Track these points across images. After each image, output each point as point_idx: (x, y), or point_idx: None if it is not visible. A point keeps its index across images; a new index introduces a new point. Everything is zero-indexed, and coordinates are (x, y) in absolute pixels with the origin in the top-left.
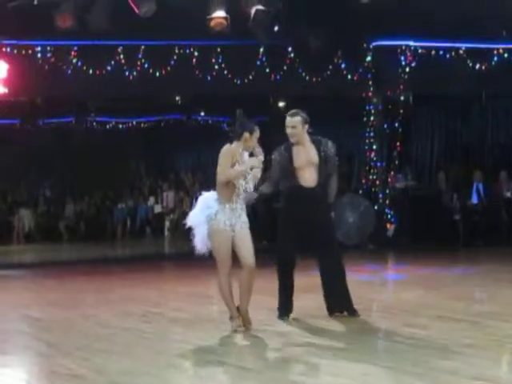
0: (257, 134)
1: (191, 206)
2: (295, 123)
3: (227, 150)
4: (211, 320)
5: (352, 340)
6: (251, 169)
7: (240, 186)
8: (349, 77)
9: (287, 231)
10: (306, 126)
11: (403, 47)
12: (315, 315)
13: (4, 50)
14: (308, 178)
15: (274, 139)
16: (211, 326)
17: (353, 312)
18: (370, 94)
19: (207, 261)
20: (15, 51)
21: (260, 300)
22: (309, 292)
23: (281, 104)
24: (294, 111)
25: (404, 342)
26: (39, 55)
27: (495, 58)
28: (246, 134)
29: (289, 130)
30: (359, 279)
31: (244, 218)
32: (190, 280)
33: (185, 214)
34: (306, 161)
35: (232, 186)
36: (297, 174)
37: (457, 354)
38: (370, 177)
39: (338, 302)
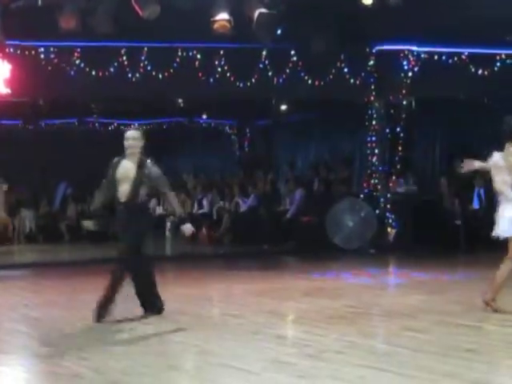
0: None
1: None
2: (136, 136)
3: None
4: (211, 322)
5: (351, 343)
6: None
7: None
8: (351, 81)
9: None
10: (143, 142)
11: (406, 52)
12: (314, 318)
13: (7, 50)
14: (122, 191)
15: (276, 142)
16: (211, 328)
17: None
18: (373, 98)
19: (207, 263)
20: (18, 52)
21: (260, 302)
22: (308, 295)
23: (283, 107)
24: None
25: (404, 346)
26: (42, 56)
27: (498, 64)
28: None
29: (128, 142)
30: (360, 283)
31: None
32: (189, 282)
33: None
34: (126, 175)
35: None
36: (117, 186)
37: (457, 359)
38: (372, 181)
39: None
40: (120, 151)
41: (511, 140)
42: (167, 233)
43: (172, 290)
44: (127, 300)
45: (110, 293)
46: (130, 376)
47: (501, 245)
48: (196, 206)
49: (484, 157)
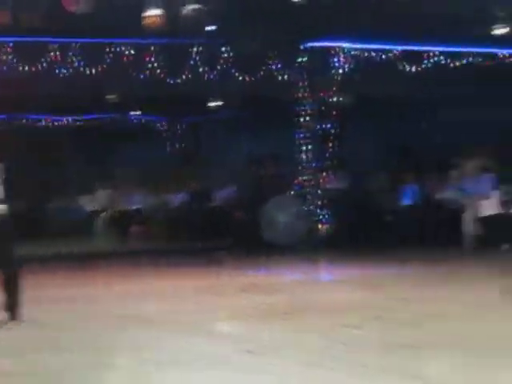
0: None
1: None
2: None
3: None
4: (149, 319)
5: (287, 339)
6: None
7: None
8: (282, 77)
9: None
10: None
11: (337, 49)
12: (251, 314)
13: None
14: None
15: (207, 138)
16: (149, 325)
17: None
18: (304, 95)
19: (140, 259)
20: None
21: (197, 299)
22: (244, 292)
23: (214, 104)
24: None
25: (340, 341)
26: None
27: (429, 61)
28: None
29: None
30: (294, 279)
31: None
32: (125, 279)
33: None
34: None
35: None
36: None
37: (393, 354)
38: (303, 178)
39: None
40: (49, 149)
41: None
42: (98, 229)
43: (108, 288)
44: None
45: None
46: (61, 374)
47: (432, 240)
48: (128, 202)
49: (416, 153)
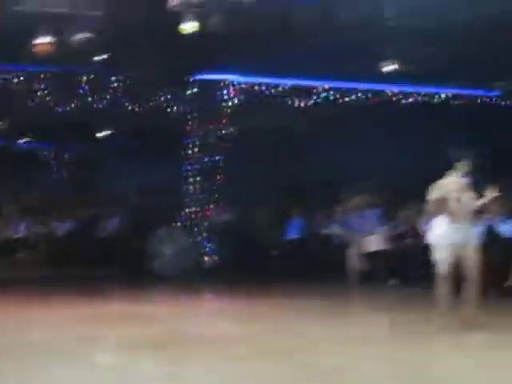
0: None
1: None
2: None
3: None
4: (31, 348)
5: (164, 370)
6: None
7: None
8: (171, 109)
9: None
10: None
11: (226, 82)
12: (132, 345)
13: None
14: None
15: (95, 167)
16: (30, 354)
17: None
18: (193, 127)
19: (25, 287)
20: None
21: (78, 328)
22: (125, 321)
23: (103, 134)
24: None
25: (219, 374)
26: None
27: (318, 96)
28: (461, 164)
29: None
30: (176, 310)
31: None
32: (7, 307)
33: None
34: None
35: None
36: None
37: None
38: (191, 209)
39: None
40: None
41: (455, 169)
42: None
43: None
44: None
45: None
46: None
47: (315, 274)
48: (13, 230)
49: (303, 187)
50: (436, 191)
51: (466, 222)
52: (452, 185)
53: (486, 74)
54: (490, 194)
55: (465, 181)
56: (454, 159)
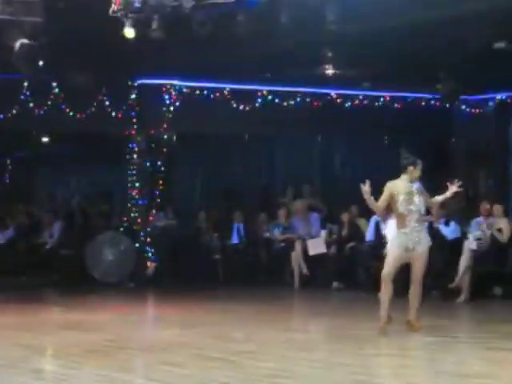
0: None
1: None
2: None
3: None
4: None
5: (107, 377)
6: None
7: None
8: (113, 114)
9: None
10: None
11: (168, 86)
12: (72, 352)
13: None
14: None
15: (37, 173)
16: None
17: None
18: (134, 131)
19: None
20: None
21: (17, 336)
22: (67, 329)
23: (44, 139)
24: None
25: (160, 380)
26: None
27: (259, 100)
28: (410, 167)
29: None
30: (118, 317)
31: None
32: None
33: None
34: None
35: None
36: None
37: None
38: (131, 215)
39: None
40: None
41: (404, 172)
42: None
43: None
44: None
45: None
46: None
47: (258, 279)
48: None
49: (245, 191)
50: (384, 194)
51: (415, 226)
52: (401, 189)
53: (426, 77)
54: (451, 189)
55: (414, 185)
56: (404, 163)
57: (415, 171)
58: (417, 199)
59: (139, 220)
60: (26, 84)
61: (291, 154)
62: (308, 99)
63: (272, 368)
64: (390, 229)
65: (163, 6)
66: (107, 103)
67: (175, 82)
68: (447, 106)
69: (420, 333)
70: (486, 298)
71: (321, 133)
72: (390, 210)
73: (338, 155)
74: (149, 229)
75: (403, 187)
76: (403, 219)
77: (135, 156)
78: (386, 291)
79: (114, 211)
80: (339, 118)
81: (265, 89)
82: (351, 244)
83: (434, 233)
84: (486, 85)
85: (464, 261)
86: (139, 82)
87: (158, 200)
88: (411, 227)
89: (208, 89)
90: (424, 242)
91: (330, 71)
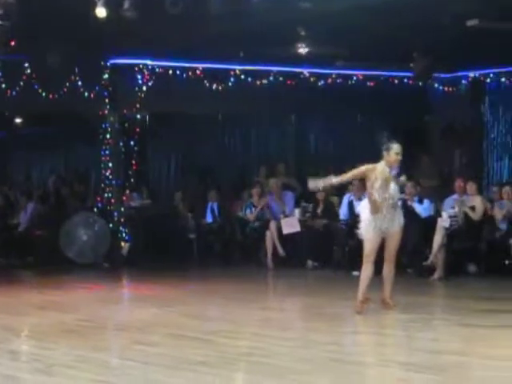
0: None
1: None
2: None
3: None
4: None
5: (82, 357)
6: None
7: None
8: (85, 94)
9: None
10: None
11: (140, 66)
12: (47, 332)
13: None
14: None
15: (11, 154)
16: None
17: None
18: (107, 112)
19: None
20: None
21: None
22: (41, 309)
23: (18, 120)
24: None
25: (135, 360)
26: None
27: (232, 79)
28: (384, 153)
29: None
30: (93, 297)
31: None
32: None
33: None
34: None
35: None
36: None
37: (187, 371)
38: (106, 195)
39: None
40: None
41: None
42: None
43: None
44: None
45: None
46: None
47: (232, 258)
48: None
49: (219, 171)
50: (358, 170)
51: (388, 213)
52: (378, 173)
53: (400, 55)
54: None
55: (393, 171)
56: (383, 148)
57: (388, 156)
58: (392, 186)
59: (113, 200)
60: None
61: (265, 133)
62: (281, 78)
63: (248, 346)
64: (363, 208)
65: None
66: (80, 83)
67: (148, 62)
68: (421, 84)
69: (395, 311)
70: (461, 276)
71: (295, 112)
72: (364, 189)
73: (312, 134)
74: (123, 209)
75: (381, 172)
76: (377, 207)
77: (108, 136)
78: (365, 272)
79: (90, 192)
80: (313, 97)
81: (238, 68)
82: (326, 222)
83: (408, 211)
84: (459, 63)
85: (438, 239)
86: (112, 62)
87: (132, 180)
88: (384, 214)
89: (181, 68)
90: (397, 223)
91: (303, 50)
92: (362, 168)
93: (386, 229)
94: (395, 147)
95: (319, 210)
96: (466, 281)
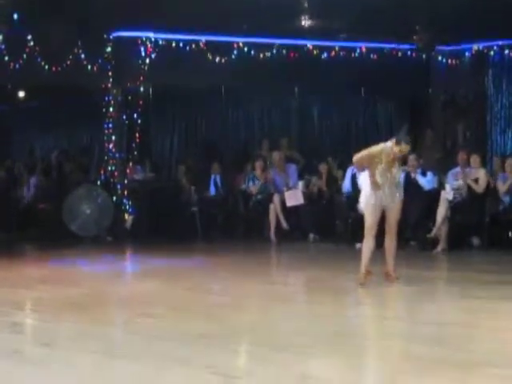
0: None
1: None
2: None
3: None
4: None
5: (85, 330)
6: None
7: None
8: (89, 67)
9: None
10: None
11: (143, 39)
12: (49, 305)
13: None
14: None
15: (14, 128)
16: None
17: None
18: (110, 85)
19: None
20: None
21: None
22: (44, 283)
23: (21, 93)
24: None
25: (139, 333)
26: None
27: (235, 52)
28: (394, 140)
29: None
30: (97, 270)
31: None
32: None
33: None
34: None
35: None
36: None
37: (191, 344)
38: (109, 168)
39: None
40: None
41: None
42: None
43: None
44: None
45: None
46: None
47: (236, 231)
48: None
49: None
50: (371, 151)
51: (389, 190)
52: (384, 155)
53: (403, 28)
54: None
55: (397, 153)
56: (396, 136)
57: (394, 147)
58: (395, 170)
59: (117, 173)
60: (1, 38)
61: (268, 106)
62: (284, 51)
63: (250, 320)
64: (364, 181)
65: None
66: (83, 56)
67: (151, 35)
68: (424, 56)
69: (398, 283)
70: (464, 249)
71: (297, 85)
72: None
73: (315, 107)
74: (126, 182)
75: (387, 154)
76: (378, 186)
77: (112, 109)
78: (367, 245)
79: (92, 165)
80: (316, 70)
81: (241, 40)
82: (328, 195)
83: (411, 183)
84: (462, 35)
85: (442, 211)
86: (114, 35)
87: (136, 153)
88: (385, 191)
89: (184, 41)
90: (397, 198)
91: (306, 22)
92: (373, 151)
93: (386, 204)
94: (403, 147)
95: (322, 182)
96: (469, 253)
